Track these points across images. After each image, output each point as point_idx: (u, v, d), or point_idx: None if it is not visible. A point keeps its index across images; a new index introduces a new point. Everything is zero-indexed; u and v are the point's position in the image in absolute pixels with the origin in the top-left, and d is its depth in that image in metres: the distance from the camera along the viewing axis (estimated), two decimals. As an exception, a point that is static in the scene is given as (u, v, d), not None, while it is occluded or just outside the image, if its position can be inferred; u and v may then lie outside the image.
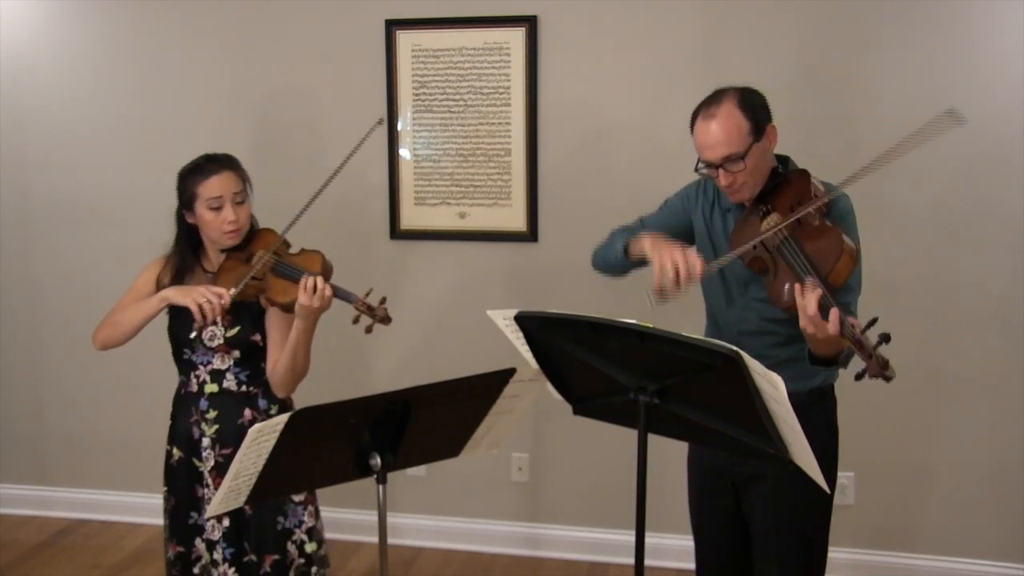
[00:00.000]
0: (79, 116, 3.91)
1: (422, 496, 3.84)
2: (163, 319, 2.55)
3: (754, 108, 2.20)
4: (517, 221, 3.62)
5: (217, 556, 2.53)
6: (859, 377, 1.88)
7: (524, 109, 3.52)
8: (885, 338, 1.84)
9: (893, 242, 3.30)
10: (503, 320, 1.99)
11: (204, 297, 2.35)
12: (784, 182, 2.22)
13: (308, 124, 3.73)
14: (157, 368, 2.86)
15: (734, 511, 2.42)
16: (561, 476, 3.75)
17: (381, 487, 1.90)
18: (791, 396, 1.98)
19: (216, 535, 2.53)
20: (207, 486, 2.53)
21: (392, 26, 3.58)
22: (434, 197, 3.67)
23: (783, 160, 2.31)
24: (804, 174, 2.20)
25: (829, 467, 2.33)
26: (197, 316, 2.35)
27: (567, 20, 3.47)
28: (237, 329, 2.49)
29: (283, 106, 3.74)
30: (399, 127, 3.64)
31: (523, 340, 1.99)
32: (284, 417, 1.75)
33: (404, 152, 3.66)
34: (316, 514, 2.62)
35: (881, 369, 1.82)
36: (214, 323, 2.46)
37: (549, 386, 2.04)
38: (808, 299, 1.92)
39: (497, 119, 3.57)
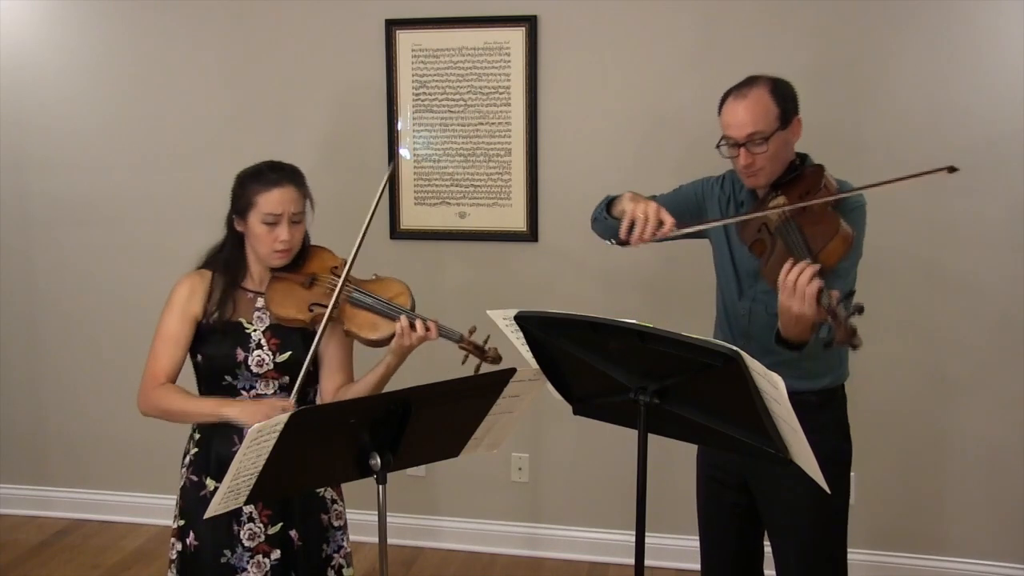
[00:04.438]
0: (79, 116, 3.91)
1: (422, 496, 3.84)
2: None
3: (784, 97, 2.25)
4: (517, 221, 3.62)
5: None
6: (827, 345, 1.96)
7: (524, 109, 3.52)
8: (859, 308, 1.86)
9: (895, 241, 3.30)
10: (503, 320, 1.99)
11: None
12: (799, 175, 2.26)
13: (308, 124, 3.73)
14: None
15: (743, 509, 2.42)
16: (561, 476, 3.75)
17: (381, 487, 1.89)
18: (799, 395, 1.97)
19: (264, 569, 2.28)
20: (243, 522, 2.29)
21: (392, 26, 3.58)
22: (434, 197, 3.67)
23: (802, 157, 2.34)
24: (819, 168, 2.24)
25: (842, 467, 2.33)
26: None
27: (567, 20, 3.47)
28: (288, 355, 2.28)
29: (283, 106, 3.74)
30: (399, 127, 3.64)
31: (523, 340, 1.99)
32: (284, 417, 1.74)
33: (404, 152, 3.66)
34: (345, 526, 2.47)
35: (848, 337, 1.84)
36: None
37: (549, 386, 2.04)
38: (796, 273, 1.94)
39: (497, 119, 3.57)
